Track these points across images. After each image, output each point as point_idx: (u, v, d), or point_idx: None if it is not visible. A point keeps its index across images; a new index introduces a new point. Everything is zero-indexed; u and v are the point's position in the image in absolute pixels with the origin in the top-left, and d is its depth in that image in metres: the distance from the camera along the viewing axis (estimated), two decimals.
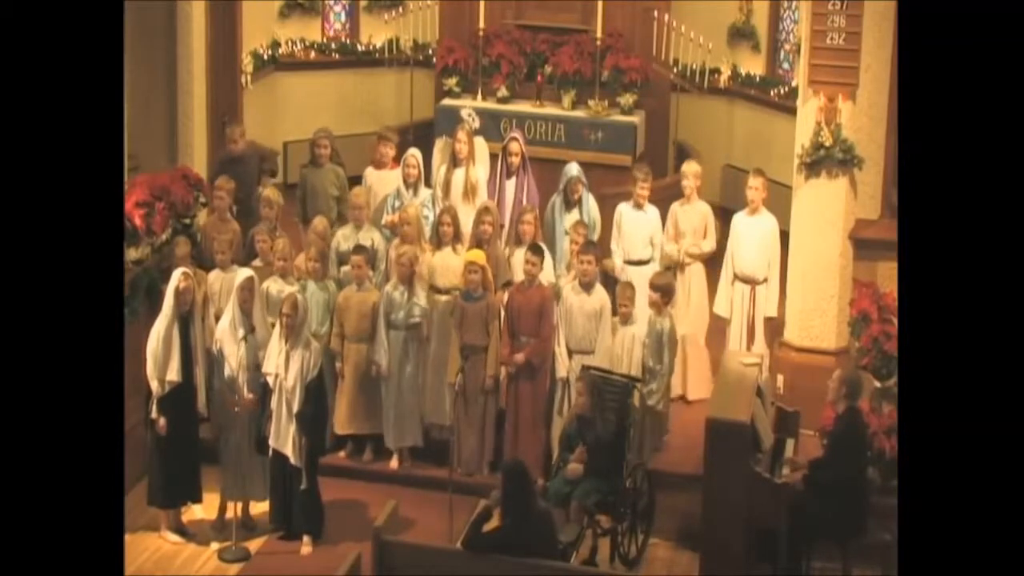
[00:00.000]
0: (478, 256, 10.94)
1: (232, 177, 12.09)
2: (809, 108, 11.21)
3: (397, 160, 12.60)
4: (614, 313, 10.93)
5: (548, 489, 9.99)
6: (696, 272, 12.00)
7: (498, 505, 8.68)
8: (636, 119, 14.57)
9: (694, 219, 11.99)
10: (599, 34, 14.56)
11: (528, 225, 11.47)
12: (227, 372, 10.27)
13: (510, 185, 12.46)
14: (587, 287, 10.95)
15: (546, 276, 11.26)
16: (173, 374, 10.07)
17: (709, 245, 11.97)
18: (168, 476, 10.28)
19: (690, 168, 12.10)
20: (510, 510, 8.63)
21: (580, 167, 12.34)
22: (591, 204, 12.15)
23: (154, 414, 10.10)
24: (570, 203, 12.12)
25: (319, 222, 11.68)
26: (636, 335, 10.86)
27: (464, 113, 13.00)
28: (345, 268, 11.44)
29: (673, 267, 11.94)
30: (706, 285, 12.05)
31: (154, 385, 10.08)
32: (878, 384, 10.41)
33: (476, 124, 12.88)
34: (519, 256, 11.30)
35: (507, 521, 8.63)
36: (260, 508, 10.60)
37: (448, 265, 11.29)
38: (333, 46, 16.20)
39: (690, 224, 11.98)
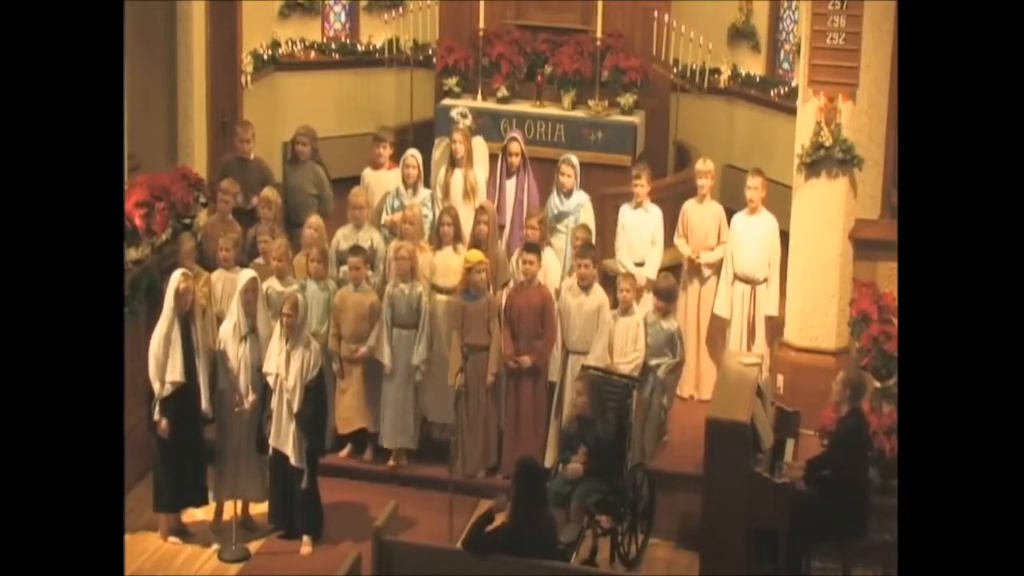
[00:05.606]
0: (479, 256, 10.93)
1: (236, 179, 12.07)
2: (809, 108, 11.21)
3: (395, 160, 12.59)
4: (614, 306, 10.92)
5: (548, 489, 9.97)
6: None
7: (503, 509, 8.66)
8: (636, 119, 14.56)
9: (706, 219, 11.97)
10: (599, 34, 14.54)
11: (534, 230, 11.43)
12: (230, 372, 10.27)
13: (510, 185, 12.44)
14: (585, 288, 10.94)
15: (550, 276, 11.25)
16: (176, 374, 10.03)
17: (716, 255, 11.94)
18: (174, 479, 10.24)
19: (704, 166, 12.07)
20: (519, 509, 8.60)
21: (574, 158, 12.26)
22: (587, 204, 12.12)
23: (156, 416, 10.06)
24: (560, 189, 12.05)
25: (314, 221, 11.59)
26: (640, 324, 10.83)
27: (455, 113, 12.94)
28: (344, 268, 11.43)
29: (679, 267, 11.94)
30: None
31: (156, 387, 10.03)
32: (878, 384, 10.41)
33: (469, 120, 12.81)
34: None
35: (514, 520, 8.61)
36: (260, 508, 10.60)
37: (448, 265, 11.28)
38: (333, 46, 16.19)
39: (702, 223, 11.96)
